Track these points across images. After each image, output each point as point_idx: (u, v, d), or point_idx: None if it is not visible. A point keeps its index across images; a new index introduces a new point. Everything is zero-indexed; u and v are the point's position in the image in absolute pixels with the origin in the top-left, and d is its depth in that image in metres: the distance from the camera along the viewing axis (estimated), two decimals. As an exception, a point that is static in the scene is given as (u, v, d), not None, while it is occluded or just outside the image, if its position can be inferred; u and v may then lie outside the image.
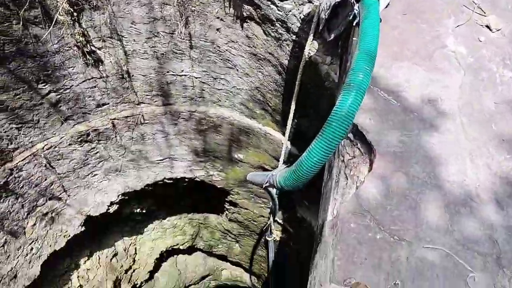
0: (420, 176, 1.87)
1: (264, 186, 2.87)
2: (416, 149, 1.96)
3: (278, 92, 4.31)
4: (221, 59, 4.34)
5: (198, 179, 6.34)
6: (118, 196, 5.65)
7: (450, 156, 1.94)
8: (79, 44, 3.91)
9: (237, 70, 4.39)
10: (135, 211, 6.46)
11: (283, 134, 4.86)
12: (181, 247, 8.26)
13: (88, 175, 5.28)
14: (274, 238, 6.67)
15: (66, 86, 4.22)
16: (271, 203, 6.07)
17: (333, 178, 2.15)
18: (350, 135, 2.09)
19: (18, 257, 4.88)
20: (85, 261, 6.34)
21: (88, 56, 4.08)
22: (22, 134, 4.22)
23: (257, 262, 8.50)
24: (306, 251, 6.31)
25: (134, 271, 7.65)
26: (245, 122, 5.11)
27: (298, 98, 3.91)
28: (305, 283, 6.51)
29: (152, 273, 8.36)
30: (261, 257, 8.18)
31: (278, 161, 5.04)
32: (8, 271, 4.81)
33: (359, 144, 2.06)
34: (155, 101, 5.00)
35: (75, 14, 3.69)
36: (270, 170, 5.75)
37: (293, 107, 3.99)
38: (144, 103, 4.99)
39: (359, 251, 1.68)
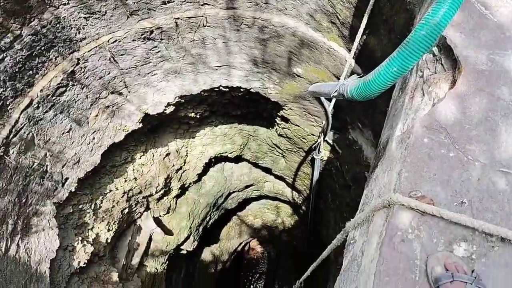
0: (506, 98, 1.75)
1: (331, 95, 2.81)
2: (507, 70, 1.81)
3: (350, 4, 4.05)
4: (294, -38, 4.08)
5: (253, 90, 6.32)
6: (175, 98, 5.77)
7: (543, 81, 1.79)
8: None
9: (309, -25, 4.13)
10: (189, 115, 6.62)
11: (348, 51, 4.66)
12: (229, 155, 8.52)
13: (148, 73, 5.38)
14: (322, 157, 6.72)
15: (133, -22, 4.16)
16: (324, 121, 6.03)
17: (407, 94, 2.05)
18: (435, 49, 1.95)
19: (81, 144, 5.21)
20: (140, 156, 6.71)
21: None
22: (90, 24, 4.28)
23: (300, 178, 8.69)
24: (351, 173, 6.35)
25: (184, 171, 8.06)
26: (309, 35, 4.90)
27: (371, 13, 3.66)
28: (348, 201, 6.61)
29: (200, 176, 8.80)
30: (305, 174, 8.34)
31: (338, 79, 4.90)
32: (72, 156, 5.18)
33: (443, 59, 1.93)
34: (220, 3, 4.85)
35: None
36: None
37: (364, 21, 3.76)
38: (209, 4, 4.86)
39: (429, 166, 1.63)
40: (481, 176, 1.60)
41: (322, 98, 5.03)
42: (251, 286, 19.12)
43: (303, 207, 10.34)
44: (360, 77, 2.24)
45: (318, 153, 6.35)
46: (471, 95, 1.76)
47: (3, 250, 4.51)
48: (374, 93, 1.92)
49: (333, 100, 4.96)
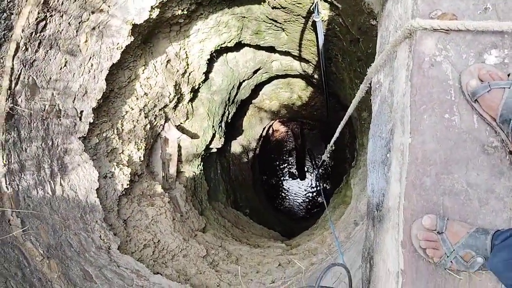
0: None
1: None
2: None
3: None
4: None
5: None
6: (157, -1, 5.45)
7: None
8: None
9: None
10: (176, 13, 6.29)
11: None
12: (228, 45, 8.28)
13: (121, -19, 5.03)
14: (322, 17, 6.45)
15: None
16: (316, -21, 5.67)
17: None
18: None
19: (82, 74, 5.12)
20: (143, 71, 6.59)
21: None
22: None
23: (306, 47, 8.49)
24: (356, 26, 6.13)
25: (189, 74, 7.95)
26: None
27: None
28: (359, 55, 6.48)
29: (206, 74, 8.69)
30: (310, 41, 8.11)
31: None
32: (78, 88, 5.13)
33: None
34: None
35: None
36: None
37: None
38: None
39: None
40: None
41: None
42: (284, 164, 20.03)
43: (315, 76, 10.26)
44: None
45: (318, 14, 6.07)
46: None
47: (51, 193, 4.74)
48: None
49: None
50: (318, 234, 8.06)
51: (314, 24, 6.75)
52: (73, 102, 5.10)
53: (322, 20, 6.57)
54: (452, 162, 1.53)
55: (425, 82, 1.48)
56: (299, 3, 6.63)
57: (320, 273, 2.16)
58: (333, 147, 6.87)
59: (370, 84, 2.33)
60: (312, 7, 6.26)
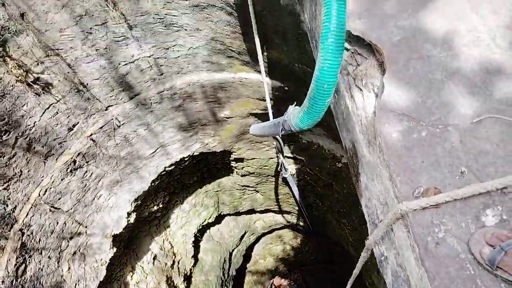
0: (434, 53, 1.72)
1: (280, 135, 2.71)
2: (419, 28, 1.79)
3: (235, 33, 4.05)
4: (165, 26, 4.03)
5: (196, 153, 6.18)
6: (131, 204, 5.50)
7: (453, 18, 1.78)
8: (20, 78, 3.58)
9: (185, 29, 4.09)
10: (152, 209, 6.35)
11: (259, 72, 4.64)
12: (209, 221, 8.26)
13: (93, 199, 5.09)
14: (291, 172, 6.65)
15: (29, 125, 3.93)
16: (275, 143, 5.98)
17: (345, 96, 2.00)
18: (346, 45, 1.92)
19: (69, 303, 4.80)
20: (131, 277, 6.31)
21: (34, 86, 3.75)
22: (13, 191, 3.98)
23: (283, 201, 8.58)
24: (324, 171, 6.32)
25: (178, 263, 7.68)
26: (216, 78, 4.87)
27: (259, 29, 3.66)
28: (337, 196, 6.48)
29: (195, 257, 8.43)
30: (285, 194, 8.24)
31: (265, 101, 4.86)
32: (67, 319, 4.75)
33: (358, 50, 1.89)
34: (121, 99, 4.71)
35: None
36: (262, 115, 5.60)
37: (257, 41, 3.75)
38: (112, 105, 4.70)
39: (413, 157, 1.56)
40: (461, 138, 1.54)
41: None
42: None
43: (300, 223, 10.20)
44: (296, 105, 2.18)
45: (286, 171, 6.27)
46: (404, 68, 1.72)
47: None
48: (320, 116, 1.84)
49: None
50: None
51: (285, 179, 6.93)
52: (63, 338, 4.67)
53: (291, 174, 6.77)
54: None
55: (438, 263, 1.41)
56: (265, 166, 6.88)
57: None
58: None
59: (371, 252, 2.25)
60: (278, 167, 6.49)
